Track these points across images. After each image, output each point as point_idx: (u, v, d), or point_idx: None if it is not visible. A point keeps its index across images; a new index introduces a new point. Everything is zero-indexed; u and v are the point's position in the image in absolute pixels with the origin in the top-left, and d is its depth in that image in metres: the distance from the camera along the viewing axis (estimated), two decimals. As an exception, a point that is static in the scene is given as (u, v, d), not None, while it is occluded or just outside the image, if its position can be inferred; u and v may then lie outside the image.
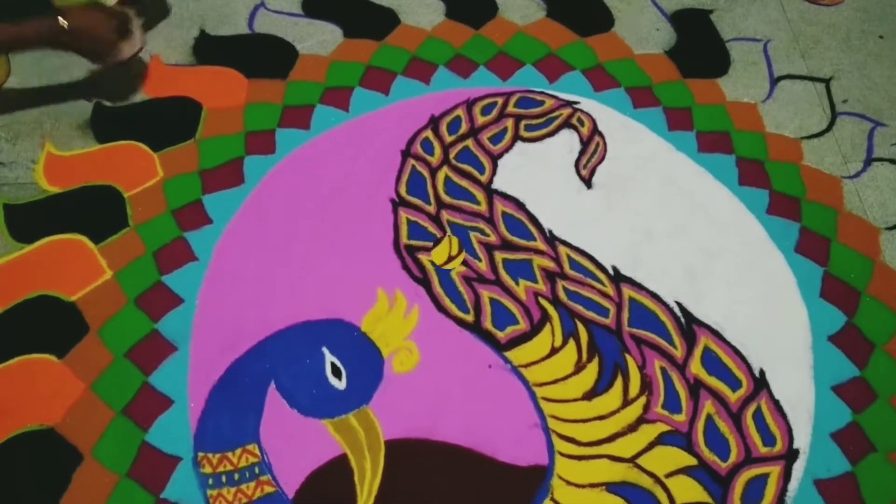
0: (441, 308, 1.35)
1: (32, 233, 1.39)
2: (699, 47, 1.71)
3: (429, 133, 1.55)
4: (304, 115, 1.55)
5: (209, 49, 1.64)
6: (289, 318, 1.33)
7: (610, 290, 1.38)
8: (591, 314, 1.35)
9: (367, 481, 1.20)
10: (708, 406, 1.27)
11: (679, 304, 1.37)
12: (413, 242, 1.41)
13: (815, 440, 1.26)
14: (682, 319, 1.35)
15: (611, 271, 1.40)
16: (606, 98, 1.62)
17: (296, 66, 1.62)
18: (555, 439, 1.24)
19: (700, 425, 1.26)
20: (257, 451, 1.21)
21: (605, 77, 1.64)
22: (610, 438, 1.24)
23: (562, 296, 1.37)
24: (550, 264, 1.40)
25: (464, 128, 1.56)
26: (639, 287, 1.39)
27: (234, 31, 1.66)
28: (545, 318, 1.35)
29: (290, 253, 1.39)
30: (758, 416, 1.27)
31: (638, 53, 1.68)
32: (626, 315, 1.36)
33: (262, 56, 1.62)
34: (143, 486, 1.17)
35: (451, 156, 1.52)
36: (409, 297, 1.36)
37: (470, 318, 1.34)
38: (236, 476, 1.19)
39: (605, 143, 1.55)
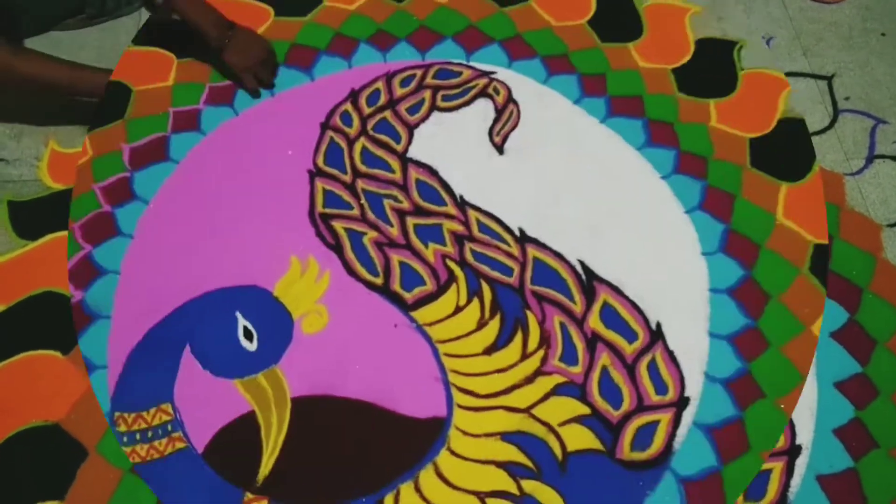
0: (352, 272, 1.41)
1: (36, 229, 1.45)
2: (615, 14, 1.74)
3: (348, 106, 1.61)
4: (227, 93, 1.60)
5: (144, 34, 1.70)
6: (206, 285, 1.40)
7: (515, 250, 1.43)
8: (495, 274, 1.41)
9: (273, 436, 1.26)
10: (604, 358, 1.32)
11: (581, 263, 1.42)
12: (328, 210, 1.47)
13: (818, 436, 1.26)
14: (584, 277, 1.40)
15: (517, 233, 1.45)
16: (522, 67, 1.66)
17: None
18: (454, 392, 1.30)
19: (595, 376, 1.31)
20: (170, 410, 1.28)
21: (522, 46, 1.68)
22: (507, 391, 1.30)
23: (469, 257, 1.42)
24: (460, 228, 1.46)
25: (382, 100, 1.61)
26: (543, 247, 1.44)
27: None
28: (451, 278, 1.40)
29: (210, 225, 1.45)
30: (651, 367, 1.32)
31: (557, 24, 1.72)
32: (528, 274, 1.41)
33: (191, 38, 1.68)
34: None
35: (369, 127, 1.58)
36: (322, 262, 1.42)
37: (379, 280, 1.40)
38: (150, 433, 1.26)
39: (518, 111, 1.60)
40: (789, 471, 1.24)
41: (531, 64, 1.66)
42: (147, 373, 1.31)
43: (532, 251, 1.43)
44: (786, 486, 1.23)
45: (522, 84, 1.64)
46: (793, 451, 1.26)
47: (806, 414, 1.28)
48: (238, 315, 1.36)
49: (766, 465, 1.24)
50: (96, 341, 1.34)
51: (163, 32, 1.69)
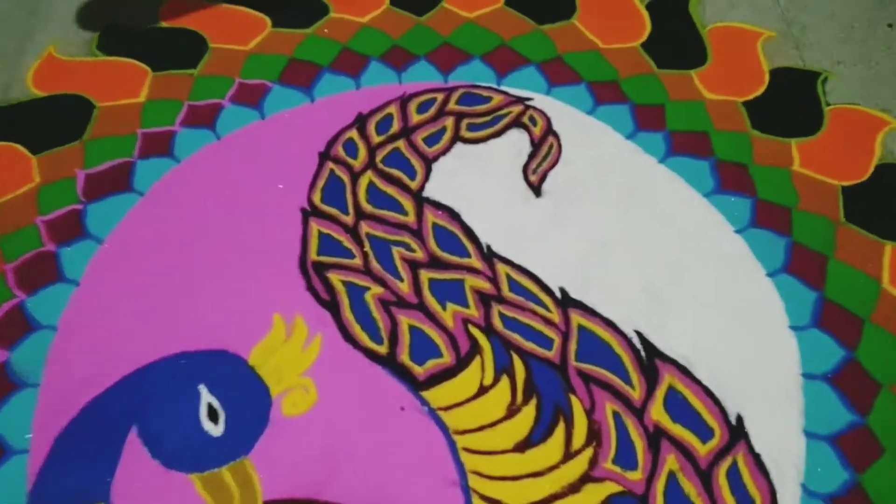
0: (349, 337, 1.12)
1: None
2: (674, 37, 1.47)
3: (353, 133, 1.32)
4: (209, 113, 1.33)
5: (115, 41, 1.43)
6: (164, 348, 1.11)
7: (556, 316, 1.13)
8: (530, 345, 1.11)
9: (236, 554, 0.95)
10: (670, 461, 1.02)
11: (639, 334, 1.12)
12: (323, 259, 1.18)
13: (806, 505, 0.98)
14: (643, 352, 1.10)
15: (558, 294, 1.16)
16: (564, 94, 1.38)
17: (208, 58, 1.40)
18: (476, 502, 0.98)
19: (660, 486, 1.00)
20: (105, 513, 0.97)
21: (564, 70, 1.41)
22: (546, 501, 0.99)
23: (497, 323, 1.12)
24: (486, 285, 1.16)
25: (395, 127, 1.33)
26: (590, 312, 1.14)
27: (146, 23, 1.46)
28: (475, 349, 1.11)
29: (175, 271, 1.17)
30: (732, 474, 1.02)
31: (605, 46, 1.44)
32: (573, 346, 1.11)
33: (173, 48, 1.41)
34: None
35: (378, 159, 1.29)
36: (312, 323, 1.13)
37: (383, 349, 1.10)
38: (74, 545, 0.95)
39: (559, 145, 1.31)
40: None
41: (575, 90, 1.38)
42: (78, 462, 1.01)
43: (577, 318, 1.13)
44: None
45: (564, 113, 1.36)
46: None
47: (790, 475, 1.03)
48: (202, 389, 1.07)
49: None
50: (17, 416, 1.04)
51: (136, 40, 1.42)
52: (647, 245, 1.22)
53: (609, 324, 1.14)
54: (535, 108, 1.37)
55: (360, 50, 1.44)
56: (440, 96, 1.38)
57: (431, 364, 1.10)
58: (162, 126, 1.33)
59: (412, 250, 1.20)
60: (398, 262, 1.19)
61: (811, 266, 1.19)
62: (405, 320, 1.13)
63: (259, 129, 1.33)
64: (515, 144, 1.32)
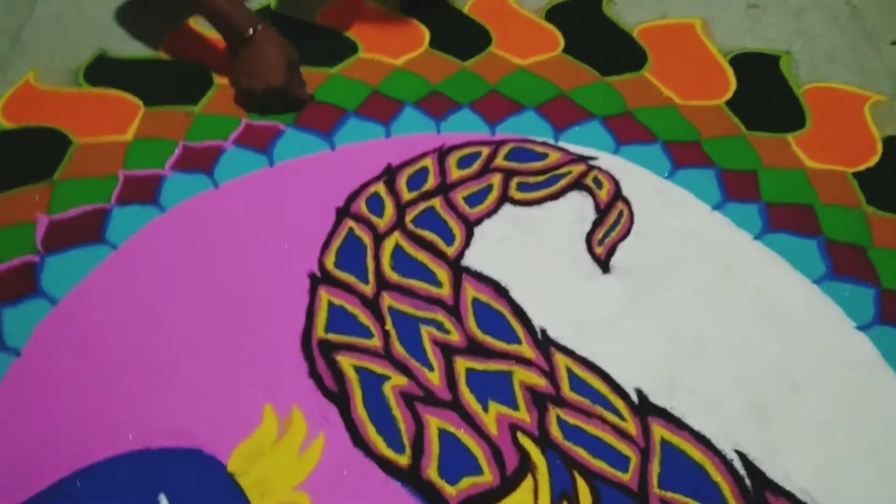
0: (360, 441, 0.85)
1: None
2: (765, 96, 1.24)
3: (380, 187, 1.08)
4: (207, 156, 1.09)
5: (106, 72, 1.22)
6: (117, 443, 0.83)
7: (632, 426, 0.86)
8: (598, 464, 0.83)
9: None
10: None
11: (742, 456, 0.84)
12: (332, 337, 0.92)
13: None
14: (747, 480, 0.82)
15: (635, 398, 0.88)
16: (635, 154, 1.14)
17: (212, 95, 1.18)
18: None
19: None
20: None
21: (634, 127, 1.17)
22: None
23: (555, 432, 0.85)
24: (541, 381, 0.89)
25: (431, 182, 1.09)
26: (678, 424, 0.86)
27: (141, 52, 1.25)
28: (525, 466, 0.83)
29: (142, 346, 0.91)
30: None
31: (682, 102, 1.21)
32: (655, 468, 0.83)
33: (173, 82, 1.19)
34: None
35: (409, 219, 1.05)
36: (313, 420, 0.86)
37: (405, 459, 0.83)
38: None
39: (630, 213, 1.07)
40: None
41: (648, 150, 1.14)
42: None
43: (660, 430, 0.86)
44: None
45: (636, 176, 1.11)
46: None
47: None
48: (162, 499, 0.78)
49: None
50: None
51: (131, 70, 1.21)
52: (749, 341, 0.95)
53: (702, 440, 0.86)
54: (600, 169, 1.13)
55: (392, 94, 1.21)
56: (486, 150, 1.14)
57: (467, 483, 0.82)
58: (149, 168, 1.09)
59: (446, 331, 0.94)
60: (427, 346, 0.92)
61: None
62: (434, 422, 0.86)
63: (266, 176, 1.10)
64: (577, 210, 1.07)
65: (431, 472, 0.84)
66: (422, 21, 1.33)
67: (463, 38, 1.32)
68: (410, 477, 0.84)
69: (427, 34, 1.33)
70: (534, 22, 1.35)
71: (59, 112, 1.17)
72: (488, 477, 0.84)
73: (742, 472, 0.85)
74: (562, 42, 1.32)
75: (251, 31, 1.12)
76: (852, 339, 0.97)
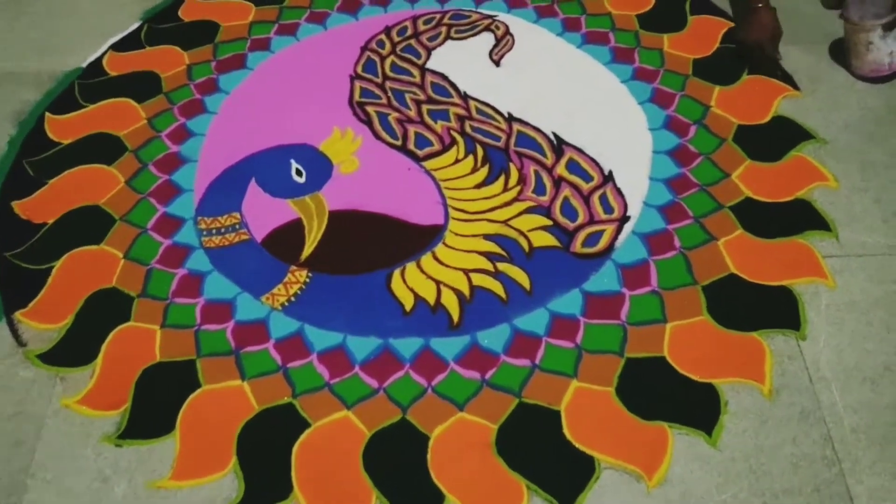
0: (378, 138, 1.88)
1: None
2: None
3: (382, 36, 2.12)
4: (292, 28, 2.14)
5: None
6: (272, 141, 1.88)
7: (503, 126, 1.89)
8: (487, 140, 1.86)
9: (314, 233, 1.71)
10: (566, 191, 1.75)
11: (554, 133, 1.87)
12: (363, 100, 1.96)
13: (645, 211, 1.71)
14: (555, 142, 1.85)
15: (506, 115, 1.91)
16: (518, 13, 2.16)
17: (290, -2, 2.24)
18: (450, 210, 1.73)
19: (558, 202, 1.73)
20: (238, 216, 1.74)
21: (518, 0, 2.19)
22: (490, 210, 1.73)
23: (467, 129, 1.88)
24: (462, 111, 1.92)
25: (409, 32, 2.12)
26: (525, 124, 1.89)
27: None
28: (453, 142, 1.86)
29: (276, 107, 1.95)
30: (603, 198, 1.74)
31: (548, -14, 2.23)
32: (513, 140, 1.86)
33: None
34: (159, 237, 1.70)
35: (398, 49, 2.08)
36: (356, 131, 1.90)
37: (399, 143, 1.87)
38: (223, 230, 1.72)
39: (513, 40, 2.09)
40: (618, 231, 1.68)
41: (525, 11, 2.16)
42: (222, 195, 1.78)
43: (517, 126, 1.89)
44: (614, 238, 1.67)
45: (517, 24, 2.13)
46: (623, 219, 1.70)
47: (637, 197, 1.73)
48: (292, 161, 1.84)
49: (600, 228, 1.69)
50: (187, 176, 1.82)
51: None
52: (567, 92, 1.97)
53: (537, 129, 1.89)
54: (498, 20, 2.15)
55: (387, -9, 2.24)
56: (438, 15, 2.17)
57: (427, 150, 1.85)
58: (263, 35, 2.14)
59: (417, 95, 1.97)
60: (409, 101, 1.96)
61: (666, 97, 1.94)
62: (412, 129, 1.90)
63: (324, 35, 2.14)
64: (485, 40, 2.10)
65: (411, 145, 1.87)
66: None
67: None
68: (402, 148, 1.87)
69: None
70: None
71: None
72: (437, 146, 1.87)
73: (553, 139, 1.88)
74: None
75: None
76: (618, 88, 1.98)
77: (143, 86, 2.02)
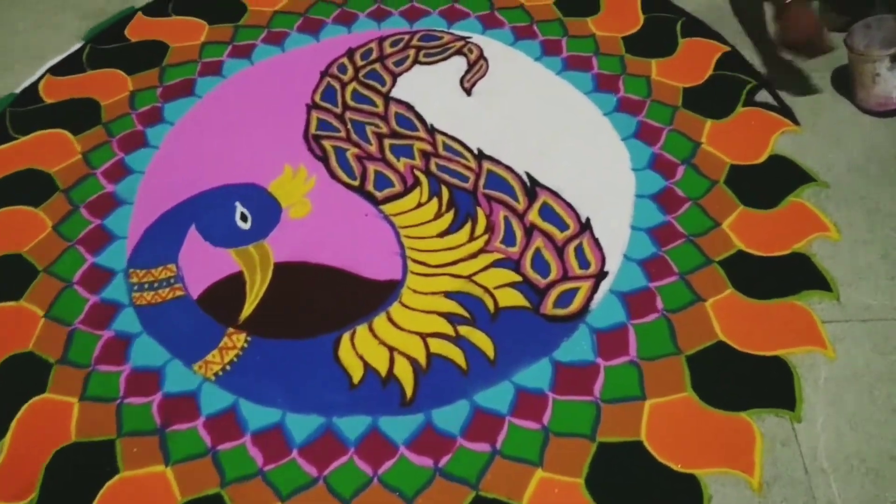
0: (335, 177, 1.71)
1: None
2: None
3: (344, 60, 1.94)
4: (247, 49, 1.96)
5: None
6: (215, 181, 1.71)
7: (473, 164, 1.71)
8: (454, 180, 1.68)
9: (256, 289, 1.54)
10: (538, 242, 1.58)
11: (528, 174, 1.69)
12: (319, 133, 1.79)
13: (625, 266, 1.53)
14: (529, 184, 1.67)
15: (476, 152, 1.73)
16: (494, 34, 1.98)
17: (246, 15, 2.05)
18: (409, 262, 1.56)
19: (529, 254, 1.56)
20: (174, 269, 1.57)
21: (495, 19, 2.01)
22: (453, 262, 1.56)
23: (433, 168, 1.71)
24: (428, 147, 1.75)
25: (374, 55, 1.94)
26: (497, 162, 1.71)
27: None
28: (416, 183, 1.68)
29: (224, 141, 1.78)
30: (578, 250, 1.56)
31: (527, 4, 2.05)
32: (482, 181, 1.68)
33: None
34: (85, 292, 1.53)
35: (361, 75, 1.90)
36: (310, 169, 1.72)
37: (356, 183, 1.69)
38: (156, 284, 1.55)
39: (487, 65, 1.91)
40: (595, 289, 1.50)
41: (501, 32, 1.98)
42: (158, 243, 1.61)
43: (487, 165, 1.71)
44: (589, 298, 1.49)
45: (492, 46, 1.95)
46: (600, 275, 1.52)
47: (617, 249, 1.55)
48: (237, 204, 1.66)
49: (575, 285, 1.51)
50: (121, 220, 1.65)
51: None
52: (543, 124, 1.79)
53: (508, 168, 1.71)
54: (472, 43, 1.97)
55: (352, 8, 2.06)
56: (406, 36, 1.99)
57: (388, 191, 1.67)
58: (215, 58, 1.96)
59: (379, 127, 1.79)
60: (370, 134, 1.78)
61: (652, 133, 1.76)
62: (372, 167, 1.72)
63: (281, 59, 1.96)
64: (457, 65, 1.92)
65: (370, 187, 1.69)
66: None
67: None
68: (359, 189, 1.70)
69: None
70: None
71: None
72: (398, 188, 1.69)
73: (526, 180, 1.70)
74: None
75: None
76: (600, 121, 1.80)
77: (80, 115, 1.85)
